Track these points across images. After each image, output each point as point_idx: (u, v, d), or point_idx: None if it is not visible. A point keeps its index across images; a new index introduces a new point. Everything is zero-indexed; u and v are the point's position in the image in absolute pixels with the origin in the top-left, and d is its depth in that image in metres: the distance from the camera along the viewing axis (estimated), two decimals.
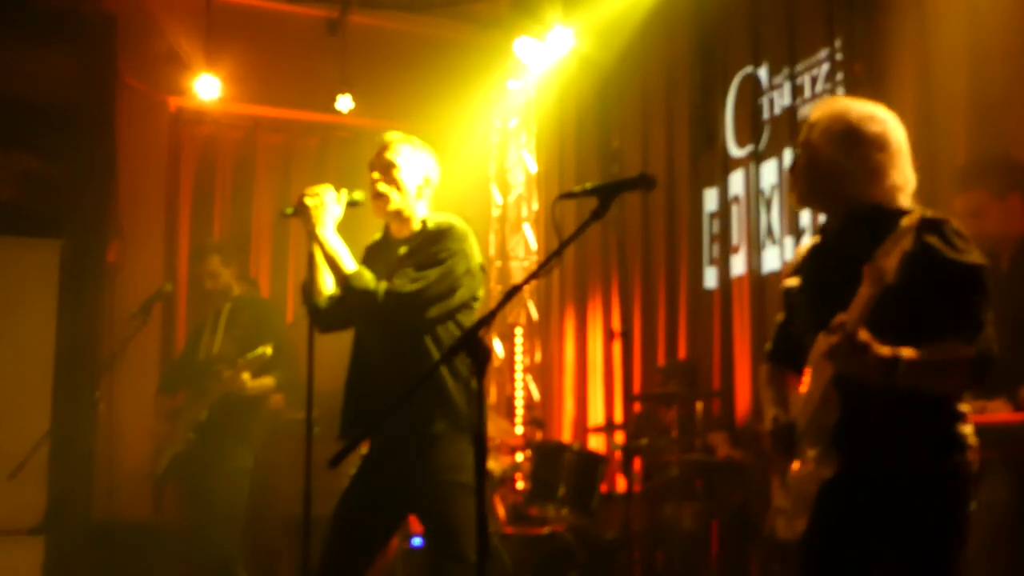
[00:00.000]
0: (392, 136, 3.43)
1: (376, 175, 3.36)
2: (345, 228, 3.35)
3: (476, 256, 3.38)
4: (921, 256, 2.19)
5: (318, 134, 7.64)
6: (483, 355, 2.31)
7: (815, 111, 2.57)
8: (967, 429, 2.39)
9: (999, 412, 3.18)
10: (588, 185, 2.53)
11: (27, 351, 5.97)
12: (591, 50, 6.73)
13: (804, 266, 2.63)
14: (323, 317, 3.33)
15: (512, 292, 2.45)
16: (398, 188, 3.35)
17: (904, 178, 2.45)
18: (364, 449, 3.43)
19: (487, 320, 2.38)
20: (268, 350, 4.82)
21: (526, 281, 2.48)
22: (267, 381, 5.03)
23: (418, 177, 3.40)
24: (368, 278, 3.21)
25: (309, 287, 3.33)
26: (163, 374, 5.62)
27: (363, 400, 3.33)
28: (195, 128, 7.33)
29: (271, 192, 7.45)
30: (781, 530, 2.53)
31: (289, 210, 3.33)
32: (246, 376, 4.86)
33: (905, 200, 2.45)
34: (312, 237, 3.26)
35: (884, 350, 2.18)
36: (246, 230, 7.32)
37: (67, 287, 6.09)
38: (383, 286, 3.20)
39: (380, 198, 3.35)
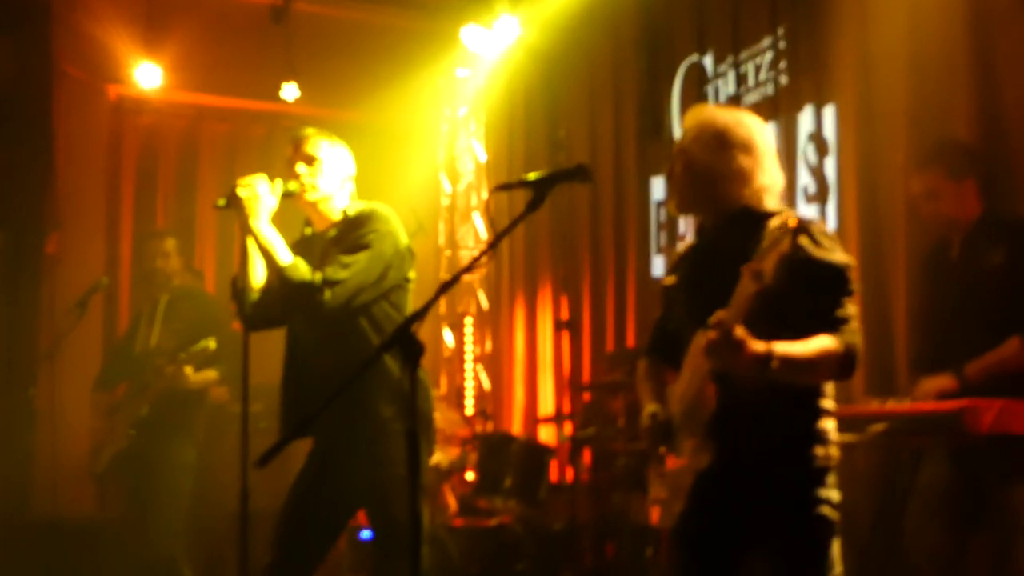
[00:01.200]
0: (309, 131, 3.43)
1: (301, 168, 3.33)
2: (278, 221, 3.30)
3: (403, 237, 3.38)
4: (794, 257, 2.29)
5: (264, 123, 7.52)
6: (416, 350, 2.28)
7: (687, 119, 2.68)
8: (830, 424, 2.50)
9: (944, 386, 3.27)
10: (528, 176, 2.53)
11: None
12: (537, 38, 6.70)
13: (681, 265, 2.74)
14: (252, 313, 3.27)
15: (445, 286, 2.42)
16: (323, 179, 3.35)
17: (771, 180, 2.56)
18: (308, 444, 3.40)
19: (420, 314, 2.35)
20: (211, 344, 4.75)
21: (458, 276, 2.46)
22: (210, 374, 4.97)
23: (340, 171, 3.40)
24: (304, 269, 3.17)
25: (239, 282, 3.27)
26: (99, 370, 5.52)
27: (302, 393, 3.29)
28: (136, 117, 7.19)
29: (216, 182, 7.32)
30: (658, 518, 2.64)
31: (222, 202, 3.27)
32: (188, 370, 4.79)
33: (772, 201, 2.56)
34: (245, 229, 3.21)
35: (759, 346, 2.25)
36: (190, 221, 7.21)
37: (4, 280, 5.96)
38: (319, 276, 3.16)
39: (309, 189, 3.32)
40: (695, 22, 5.69)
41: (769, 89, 5.08)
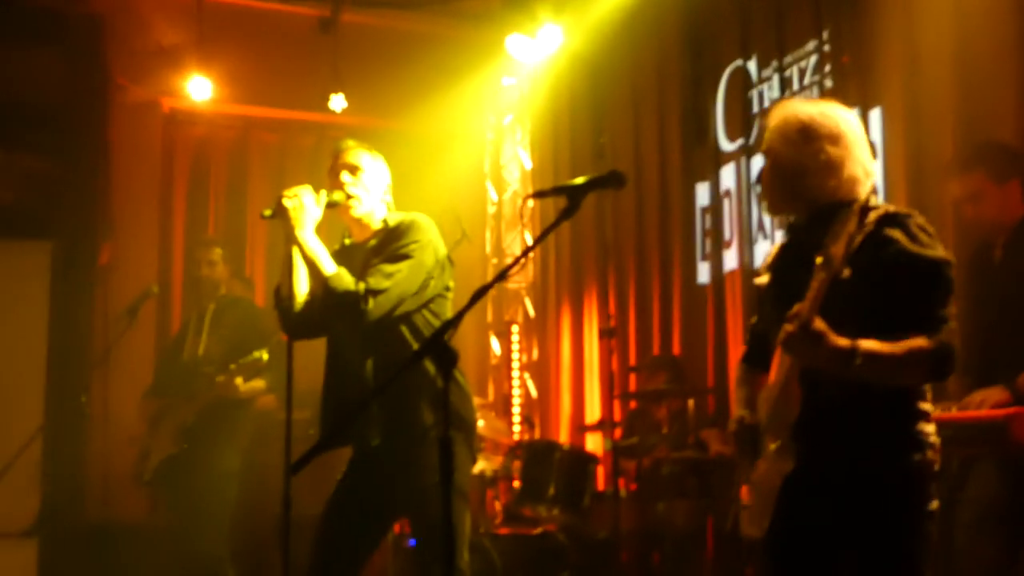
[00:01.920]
0: (349, 143, 3.45)
1: (346, 176, 3.36)
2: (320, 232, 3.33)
3: (442, 247, 3.38)
4: (881, 247, 2.21)
5: (312, 133, 7.60)
6: (449, 359, 2.29)
7: (771, 117, 2.59)
8: (928, 427, 2.38)
9: (996, 399, 3.17)
10: (562, 183, 2.53)
11: (19, 353, 5.98)
12: (582, 46, 6.71)
13: (774, 264, 2.65)
14: (295, 322, 3.30)
15: (478, 295, 2.42)
16: (366, 190, 3.37)
17: (863, 170, 2.46)
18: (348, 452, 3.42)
19: (454, 322, 2.36)
20: (264, 355, 4.79)
21: (491, 285, 2.46)
22: (258, 384, 5.02)
23: (380, 183, 3.41)
24: (348, 279, 3.19)
25: (283, 290, 3.31)
26: (152, 379, 5.61)
27: (342, 400, 3.31)
28: (188, 128, 7.32)
29: (266, 192, 7.42)
30: (747, 527, 2.55)
31: (268, 212, 3.30)
32: (239, 380, 4.84)
33: (864, 192, 2.45)
34: (290, 239, 3.24)
35: (841, 341, 2.17)
36: (241, 231, 7.31)
37: (58, 289, 6.10)
38: (362, 286, 3.19)
39: (354, 199, 3.34)
40: (739, 27, 5.65)
41: (814, 93, 5.02)
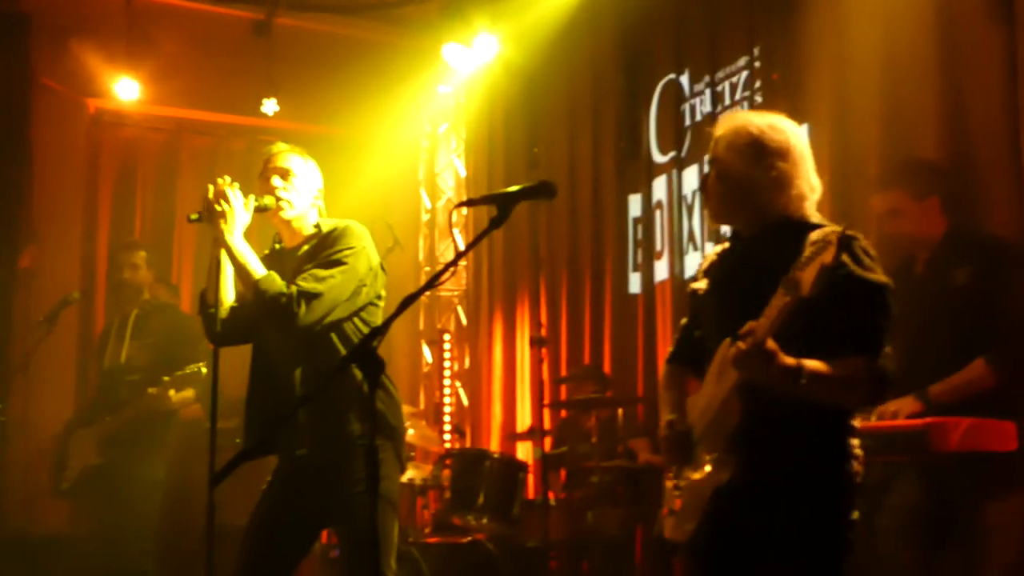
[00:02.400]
0: (280, 146, 3.40)
1: (276, 181, 3.32)
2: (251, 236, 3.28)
3: (375, 255, 3.35)
4: (834, 271, 2.20)
5: (244, 137, 7.51)
6: (376, 367, 2.27)
7: (719, 126, 2.58)
8: (855, 441, 2.43)
9: (909, 409, 3.24)
10: (492, 193, 2.52)
11: None
12: (517, 56, 6.73)
13: (712, 271, 2.64)
14: (221, 329, 3.24)
15: (407, 302, 2.40)
16: (297, 194, 3.32)
17: (809, 186, 2.48)
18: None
19: (381, 330, 2.34)
20: (203, 368, 4.68)
21: (419, 293, 2.44)
22: (188, 393, 4.88)
23: (311, 186, 3.37)
24: (280, 282, 3.14)
25: (208, 296, 3.25)
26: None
27: (266, 409, 3.25)
28: (115, 130, 7.19)
29: (195, 197, 7.14)
30: (670, 531, 2.55)
31: (195, 215, 3.25)
32: (171, 392, 4.72)
33: (811, 209, 2.47)
34: (219, 243, 3.18)
35: (789, 360, 2.20)
36: (168, 235, 7.20)
37: None
38: (294, 288, 3.14)
39: (284, 203, 3.30)
40: (673, 41, 5.72)
41: (745, 108, 5.10)
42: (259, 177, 3.38)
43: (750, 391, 2.31)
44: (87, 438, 4.96)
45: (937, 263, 3.48)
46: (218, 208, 3.16)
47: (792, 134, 2.49)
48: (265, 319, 3.18)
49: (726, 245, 2.65)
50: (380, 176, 7.58)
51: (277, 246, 3.44)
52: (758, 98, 4.96)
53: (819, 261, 2.11)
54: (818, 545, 2.35)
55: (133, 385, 4.87)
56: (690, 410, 2.58)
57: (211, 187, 3.21)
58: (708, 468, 2.43)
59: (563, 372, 6.42)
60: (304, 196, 3.35)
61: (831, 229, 2.22)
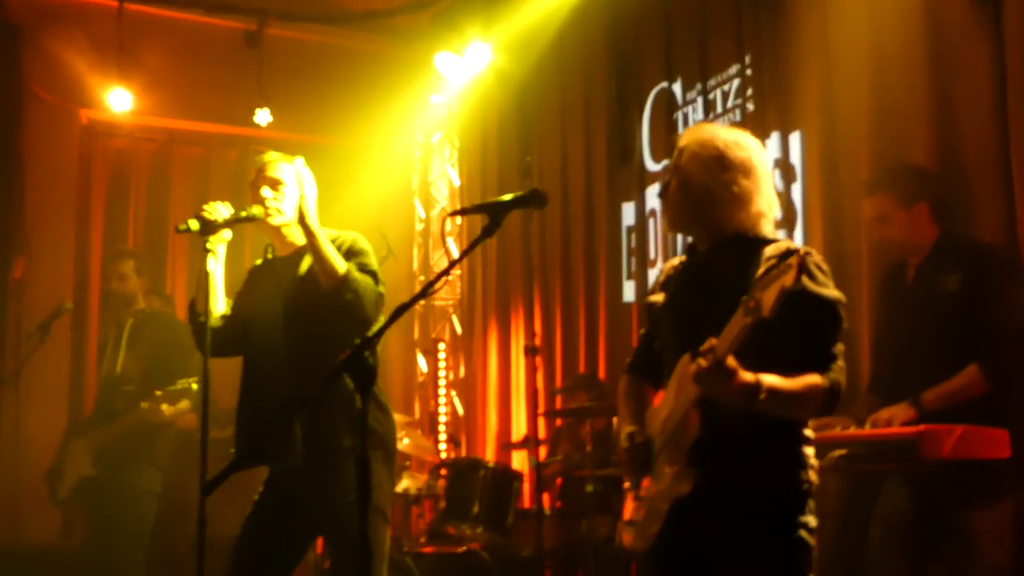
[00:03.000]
0: (272, 155, 3.41)
1: (266, 191, 3.31)
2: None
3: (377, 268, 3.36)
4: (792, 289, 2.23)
5: (236, 147, 7.49)
6: (367, 376, 2.26)
7: (684, 137, 2.62)
8: (810, 450, 2.49)
9: (902, 416, 3.24)
10: (483, 202, 2.53)
11: None
12: (509, 65, 6.74)
13: (670, 284, 2.68)
14: (212, 339, 3.23)
15: (400, 311, 2.39)
16: (287, 203, 3.32)
17: (768, 205, 2.52)
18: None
19: (372, 340, 2.33)
20: (193, 384, 4.66)
21: (413, 302, 2.43)
22: (182, 404, 4.86)
23: (299, 195, 3.35)
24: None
25: (198, 306, 3.24)
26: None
27: (259, 418, 3.25)
28: (107, 141, 7.17)
29: (188, 207, 7.28)
30: (631, 540, 2.58)
31: (183, 226, 3.23)
32: (164, 406, 4.69)
33: (768, 227, 2.52)
34: (310, 237, 3.15)
35: (748, 377, 2.23)
36: (161, 246, 7.17)
37: None
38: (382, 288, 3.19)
39: (272, 212, 3.30)
40: (664, 50, 5.73)
41: (737, 116, 5.12)
42: (250, 186, 3.38)
43: (709, 405, 2.35)
44: (82, 448, 4.95)
45: (927, 269, 3.49)
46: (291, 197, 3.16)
47: (755, 152, 2.54)
48: (334, 315, 3.15)
49: (683, 258, 2.69)
50: (373, 186, 7.56)
51: (270, 255, 3.44)
52: (750, 106, 4.97)
53: (780, 283, 2.13)
54: (776, 552, 2.39)
55: (127, 396, 4.86)
56: (650, 422, 2.63)
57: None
58: (668, 480, 2.46)
59: (558, 381, 6.42)
60: (294, 205, 3.35)
61: (786, 246, 2.29)
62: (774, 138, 4.81)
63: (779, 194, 4.69)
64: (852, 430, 3.31)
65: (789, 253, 2.18)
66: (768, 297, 2.14)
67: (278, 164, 3.38)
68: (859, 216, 4.21)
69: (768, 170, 2.55)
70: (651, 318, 2.76)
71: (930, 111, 3.93)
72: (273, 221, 3.33)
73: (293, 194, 3.34)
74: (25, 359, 5.46)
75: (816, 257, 2.39)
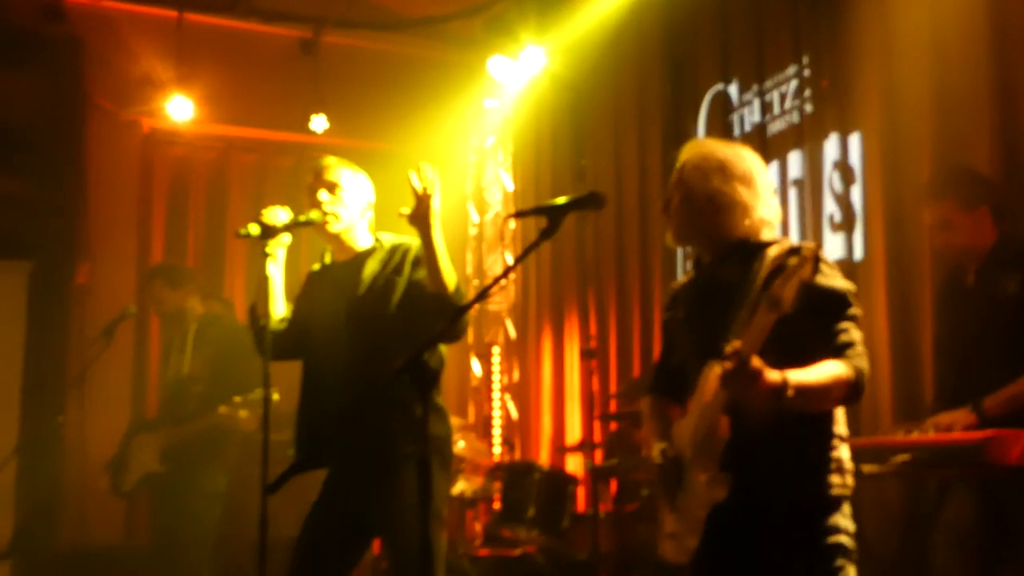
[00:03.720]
0: (329, 160, 3.44)
1: (323, 195, 3.35)
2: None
3: None
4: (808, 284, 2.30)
5: (292, 154, 7.59)
6: (428, 379, 2.28)
7: (683, 153, 2.71)
8: (844, 452, 2.50)
9: (963, 422, 3.18)
10: (542, 204, 2.55)
11: None
12: (563, 69, 6.74)
13: (681, 300, 2.75)
14: (272, 342, 3.27)
15: (458, 314, 2.42)
16: (344, 208, 3.35)
17: (771, 213, 2.60)
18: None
19: (431, 343, 2.36)
20: (275, 395, 4.69)
21: (471, 304, 2.46)
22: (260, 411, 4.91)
23: (361, 199, 3.40)
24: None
25: (259, 310, 3.28)
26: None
27: (318, 422, 3.28)
28: (167, 149, 7.29)
29: (245, 212, 7.39)
30: (671, 553, 2.60)
31: (243, 231, 3.26)
32: (243, 413, 4.73)
33: (770, 233, 2.59)
34: (427, 243, 3.11)
35: (774, 376, 2.25)
36: (220, 251, 7.28)
37: (35, 309, 6.06)
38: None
39: (331, 217, 3.33)
40: (720, 51, 5.69)
41: (794, 117, 5.06)
42: (307, 191, 3.42)
43: (738, 408, 2.37)
44: (149, 444, 5.02)
45: (988, 273, 3.42)
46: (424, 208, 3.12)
47: (755, 165, 2.63)
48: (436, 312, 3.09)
49: (690, 275, 2.76)
50: None
51: (327, 260, 3.47)
52: (808, 107, 4.91)
53: (798, 276, 2.20)
54: (813, 557, 2.40)
55: (198, 396, 4.92)
56: (677, 437, 2.65)
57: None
58: (703, 487, 2.47)
59: (612, 384, 6.40)
60: (351, 210, 3.37)
61: (789, 244, 2.36)
62: (833, 139, 4.75)
63: (838, 197, 4.69)
64: (916, 435, 3.26)
65: (794, 250, 2.25)
66: (788, 292, 2.20)
67: (335, 168, 3.42)
68: (921, 219, 4.14)
69: (769, 184, 2.64)
70: (667, 336, 2.84)
71: (993, 110, 3.86)
72: (331, 227, 3.36)
73: (352, 199, 3.38)
74: (90, 362, 5.57)
75: (818, 252, 2.41)
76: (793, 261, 2.22)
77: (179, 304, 5.21)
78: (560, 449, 6.46)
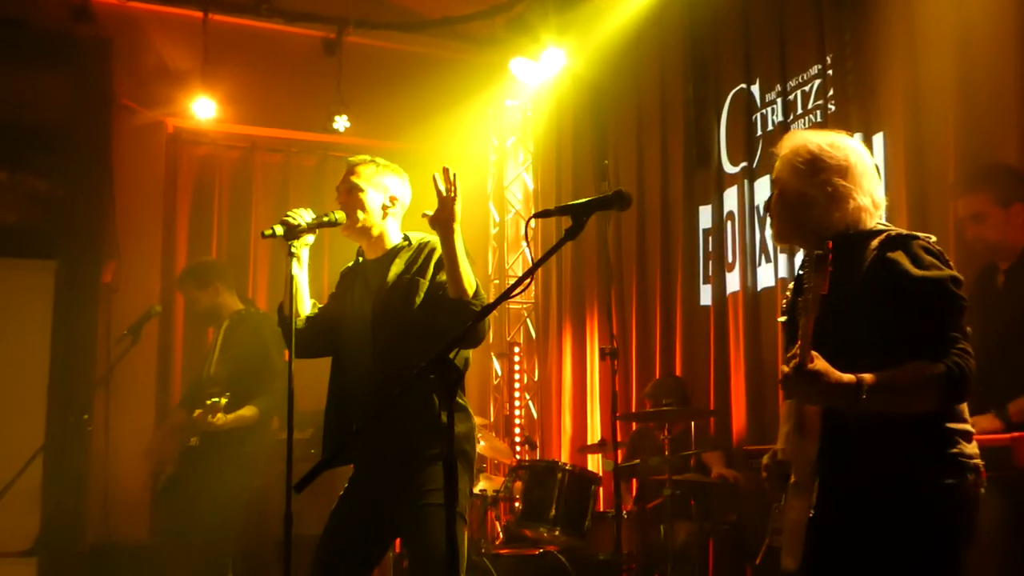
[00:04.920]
0: (354, 160, 3.46)
1: (344, 196, 3.37)
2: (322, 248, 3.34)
3: None
4: (883, 271, 2.23)
5: (315, 153, 7.63)
6: (453, 377, 2.28)
7: (781, 146, 2.61)
8: (967, 448, 2.34)
9: (987, 427, 3.16)
10: (566, 203, 2.54)
11: (21, 372, 5.98)
12: (585, 69, 6.74)
13: (790, 302, 2.66)
14: (299, 340, 3.29)
15: (484, 313, 2.43)
16: (362, 208, 3.36)
17: (872, 201, 2.47)
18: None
19: (458, 341, 2.36)
20: (223, 400, 4.72)
21: (496, 303, 2.46)
22: (246, 412, 4.91)
23: (382, 197, 3.40)
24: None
25: (285, 309, 3.30)
26: (184, 388, 5.60)
27: (346, 420, 3.30)
28: (192, 148, 7.34)
29: (269, 212, 7.44)
30: (784, 560, 2.51)
31: (268, 231, 3.26)
32: (219, 416, 4.74)
33: (872, 221, 2.46)
34: (448, 247, 3.09)
35: (844, 377, 2.18)
36: (244, 250, 7.32)
37: (62, 308, 6.11)
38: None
39: (354, 217, 3.35)
40: (743, 50, 5.67)
41: (817, 117, 5.04)
42: (337, 189, 3.44)
43: (829, 413, 2.30)
44: (173, 447, 5.07)
45: (1018, 273, 3.40)
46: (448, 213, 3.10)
47: (852, 151, 2.50)
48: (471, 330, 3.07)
49: (799, 274, 2.66)
50: None
51: (361, 259, 3.49)
52: (831, 107, 4.89)
53: (826, 271, 2.14)
54: (914, 567, 2.27)
55: (203, 401, 4.95)
56: (783, 441, 2.61)
57: (445, 192, 3.12)
58: (800, 494, 2.42)
59: (634, 384, 6.39)
60: (372, 208, 3.37)
61: (886, 232, 2.29)
62: (857, 139, 4.71)
63: None
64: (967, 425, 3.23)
65: (888, 238, 2.20)
66: (818, 289, 2.14)
67: (362, 167, 3.43)
68: (946, 219, 4.12)
69: (869, 166, 2.50)
70: (786, 339, 2.71)
71: (1020, 111, 3.83)
72: (351, 228, 3.37)
73: (374, 199, 3.38)
74: (117, 361, 5.61)
75: (923, 241, 2.33)
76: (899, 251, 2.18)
77: (212, 301, 5.25)
78: (582, 449, 6.46)
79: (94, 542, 5.91)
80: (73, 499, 5.88)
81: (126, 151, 6.79)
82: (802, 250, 2.65)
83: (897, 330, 2.26)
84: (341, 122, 6.97)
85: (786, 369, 2.19)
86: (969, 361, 2.24)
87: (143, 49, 6.80)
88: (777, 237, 2.63)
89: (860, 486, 2.31)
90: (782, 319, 2.70)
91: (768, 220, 2.67)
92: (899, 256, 2.26)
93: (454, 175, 3.11)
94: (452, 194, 3.08)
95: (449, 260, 3.11)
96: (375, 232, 3.40)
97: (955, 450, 2.30)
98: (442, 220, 3.09)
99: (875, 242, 2.24)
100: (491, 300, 7.31)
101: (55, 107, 6.33)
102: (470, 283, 3.10)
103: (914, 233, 2.32)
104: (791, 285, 2.72)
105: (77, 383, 5.96)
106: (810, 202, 2.46)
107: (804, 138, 2.55)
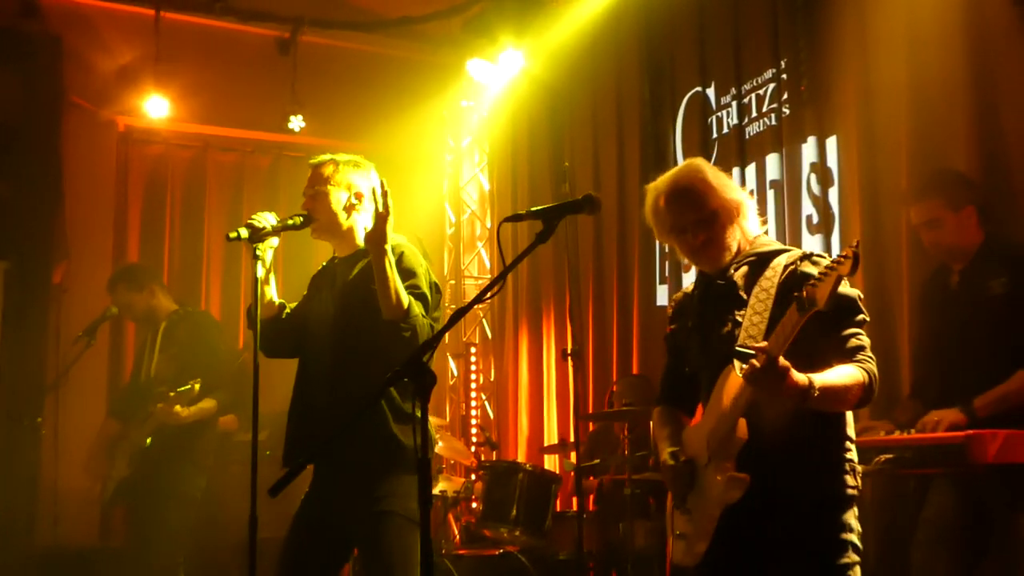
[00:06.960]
0: (317, 160, 3.42)
1: (306, 200, 3.35)
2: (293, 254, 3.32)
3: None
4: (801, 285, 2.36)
5: (270, 153, 7.58)
6: (428, 381, 2.28)
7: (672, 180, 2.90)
8: (854, 455, 2.56)
9: (952, 420, 3.24)
10: (536, 207, 2.55)
11: None
12: (542, 71, 6.77)
13: (688, 310, 2.79)
14: (264, 341, 3.27)
15: (456, 316, 2.44)
16: (327, 208, 3.32)
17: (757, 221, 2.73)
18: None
19: (431, 345, 2.36)
20: (196, 385, 4.69)
21: (469, 306, 2.47)
22: (206, 404, 4.88)
23: (347, 195, 3.36)
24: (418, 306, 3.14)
25: (253, 310, 3.28)
26: (111, 398, 5.51)
27: (310, 423, 3.28)
28: (144, 147, 7.25)
29: (222, 212, 7.38)
30: (679, 555, 2.64)
31: (233, 234, 3.23)
32: (179, 408, 4.73)
33: (764, 238, 2.71)
34: (378, 265, 3.04)
35: (801, 377, 2.30)
36: (197, 251, 7.25)
37: (11, 309, 6.00)
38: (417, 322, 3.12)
39: (314, 218, 3.32)
40: (698, 53, 5.73)
41: (772, 120, 5.12)
42: (303, 194, 3.40)
43: (756, 411, 2.43)
44: (123, 452, 5.00)
45: (973, 273, 3.49)
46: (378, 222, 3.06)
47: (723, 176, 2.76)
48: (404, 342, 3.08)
49: (689, 288, 2.84)
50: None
51: (335, 259, 3.46)
52: (786, 110, 4.97)
53: (836, 274, 2.23)
54: (827, 557, 2.45)
55: (159, 398, 4.90)
56: (688, 441, 2.71)
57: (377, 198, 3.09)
58: (719, 488, 2.50)
59: (591, 384, 6.43)
60: (335, 210, 3.34)
61: (800, 252, 2.56)
62: (811, 142, 4.81)
63: (816, 198, 4.75)
64: (897, 434, 3.32)
65: (807, 256, 2.49)
66: (823, 290, 2.23)
67: (320, 169, 3.38)
68: (898, 221, 4.21)
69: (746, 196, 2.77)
70: (673, 347, 2.86)
71: (970, 114, 3.93)
72: (313, 230, 3.35)
73: (336, 199, 3.34)
74: (71, 363, 5.52)
75: (827, 259, 2.48)
76: (811, 265, 2.38)
77: (148, 303, 5.18)
78: (542, 449, 6.49)
79: (44, 546, 5.81)
80: (24, 502, 5.78)
81: (77, 150, 6.69)
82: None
83: (813, 338, 2.40)
84: (296, 122, 6.93)
85: (756, 363, 2.26)
86: (876, 368, 2.47)
87: (94, 46, 6.70)
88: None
89: (778, 482, 2.45)
90: (676, 325, 2.83)
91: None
92: (813, 270, 2.43)
93: (385, 192, 3.07)
94: (384, 212, 3.05)
95: (380, 278, 3.05)
96: (343, 230, 3.37)
97: (849, 454, 2.54)
98: (375, 238, 3.06)
99: (786, 258, 2.51)
100: (444, 301, 7.23)
101: (3, 105, 6.22)
102: (403, 300, 3.07)
103: (810, 251, 2.60)
104: (678, 295, 2.90)
105: (28, 385, 5.86)
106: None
107: (700, 163, 2.83)
